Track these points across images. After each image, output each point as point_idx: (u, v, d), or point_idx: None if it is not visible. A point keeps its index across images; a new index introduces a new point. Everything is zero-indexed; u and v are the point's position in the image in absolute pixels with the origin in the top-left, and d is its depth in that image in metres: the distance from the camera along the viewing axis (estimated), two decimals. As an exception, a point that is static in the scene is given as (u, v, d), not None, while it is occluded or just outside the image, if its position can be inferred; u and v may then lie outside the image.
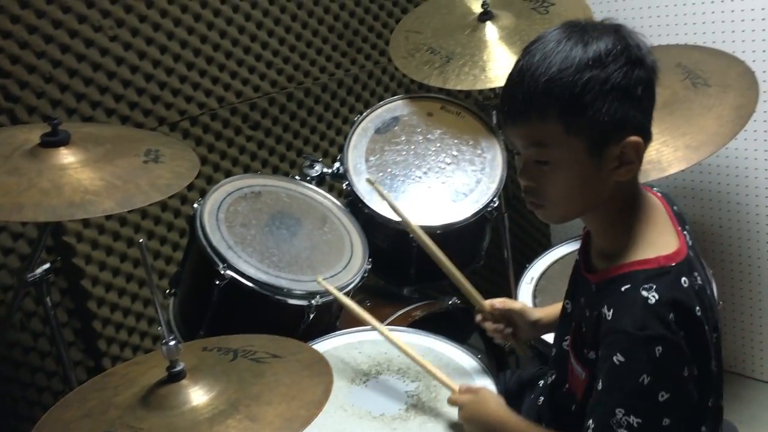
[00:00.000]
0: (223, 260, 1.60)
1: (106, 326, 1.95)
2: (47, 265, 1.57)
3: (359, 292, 2.14)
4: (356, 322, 1.77)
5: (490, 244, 2.19)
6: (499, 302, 1.57)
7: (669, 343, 1.04)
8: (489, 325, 1.58)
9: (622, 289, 1.08)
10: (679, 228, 1.16)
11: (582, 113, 1.04)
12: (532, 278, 1.98)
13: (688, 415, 1.09)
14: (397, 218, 1.89)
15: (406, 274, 2.06)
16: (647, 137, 1.10)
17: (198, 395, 1.11)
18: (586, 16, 2.21)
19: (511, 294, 2.11)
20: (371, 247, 1.90)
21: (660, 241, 1.12)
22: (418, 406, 1.47)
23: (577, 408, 1.22)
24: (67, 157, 1.37)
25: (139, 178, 1.36)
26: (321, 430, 1.37)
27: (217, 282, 1.60)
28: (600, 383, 1.08)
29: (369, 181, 1.93)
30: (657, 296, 1.05)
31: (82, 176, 1.33)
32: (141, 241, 1.03)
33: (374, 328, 1.54)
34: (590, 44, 1.04)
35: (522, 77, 1.08)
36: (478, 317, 1.60)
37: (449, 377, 1.53)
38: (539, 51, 1.07)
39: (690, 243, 1.16)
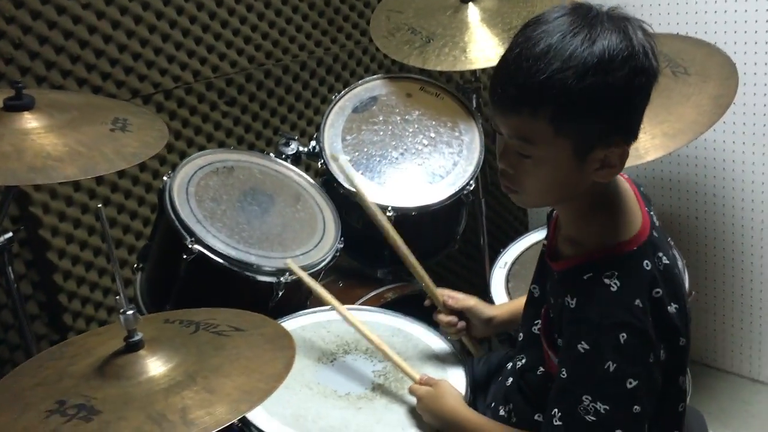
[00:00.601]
0: (192, 234, 1.57)
1: (72, 300, 1.91)
2: (9, 234, 1.53)
3: (332, 273, 2.12)
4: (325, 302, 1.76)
5: (466, 230, 2.17)
6: (451, 298, 1.52)
7: (633, 329, 1.03)
8: (442, 318, 1.52)
9: (585, 277, 1.07)
10: (646, 209, 1.16)
11: (576, 118, 1.00)
12: (506, 263, 1.97)
13: (655, 401, 1.08)
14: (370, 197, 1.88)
15: (380, 256, 2.04)
16: (634, 140, 1.07)
17: (155, 366, 1.08)
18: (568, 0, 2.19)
19: (486, 279, 2.09)
20: (345, 227, 1.87)
21: (623, 226, 1.11)
22: (384, 386, 1.45)
23: None
24: (30, 122, 1.33)
25: (104, 146, 1.33)
26: (285, 407, 1.35)
27: (185, 256, 1.56)
28: (564, 372, 1.07)
29: (333, 157, 1.89)
30: (619, 283, 1.04)
31: (45, 141, 1.29)
32: (99, 206, 0.99)
33: (335, 309, 1.51)
34: (596, 43, 0.98)
35: (519, 67, 1.01)
36: (427, 302, 1.56)
37: (419, 360, 1.51)
38: (542, 41, 0.99)
39: (656, 223, 1.15)
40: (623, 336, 1.02)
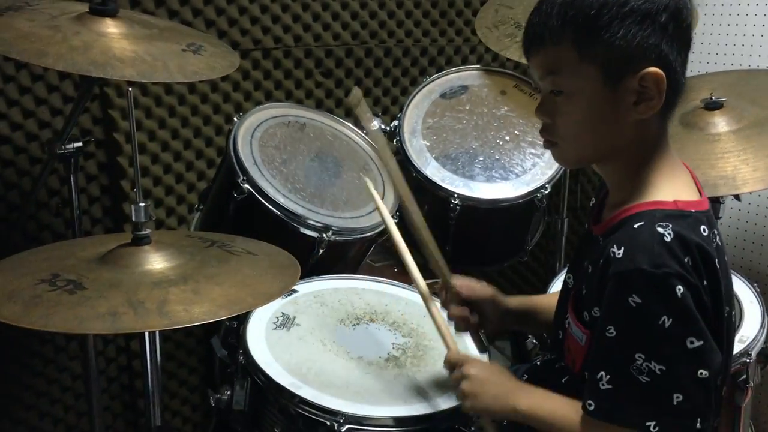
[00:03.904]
0: (245, 173, 1.56)
1: (135, 211, 1.92)
2: (79, 143, 1.57)
3: (391, 258, 2.07)
4: (371, 272, 1.71)
5: (543, 249, 2.04)
6: (467, 288, 1.31)
7: (690, 284, 0.92)
8: (453, 309, 1.30)
9: (635, 226, 0.96)
10: (703, 191, 1.04)
11: (596, 37, 0.96)
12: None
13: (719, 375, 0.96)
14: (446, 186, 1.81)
15: (442, 250, 1.96)
16: (673, 75, 0.98)
17: (154, 262, 1.07)
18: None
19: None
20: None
21: (680, 187, 1.02)
22: (400, 359, 1.37)
23: (569, 381, 1.11)
24: (109, 27, 1.37)
25: (169, 60, 1.34)
26: (292, 355, 1.31)
27: (235, 195, 1.56)
28: (612, 329, 0.95)
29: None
30: (673, 235, 0.93)
31: (115, 45, 1.32)
32: (129, 89, 0.99)
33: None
34: None
35: (541, 2, 1.02)
36: (442, 294, 1.33)
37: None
38: None
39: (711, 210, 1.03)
40: (680, 289, 0.91)
